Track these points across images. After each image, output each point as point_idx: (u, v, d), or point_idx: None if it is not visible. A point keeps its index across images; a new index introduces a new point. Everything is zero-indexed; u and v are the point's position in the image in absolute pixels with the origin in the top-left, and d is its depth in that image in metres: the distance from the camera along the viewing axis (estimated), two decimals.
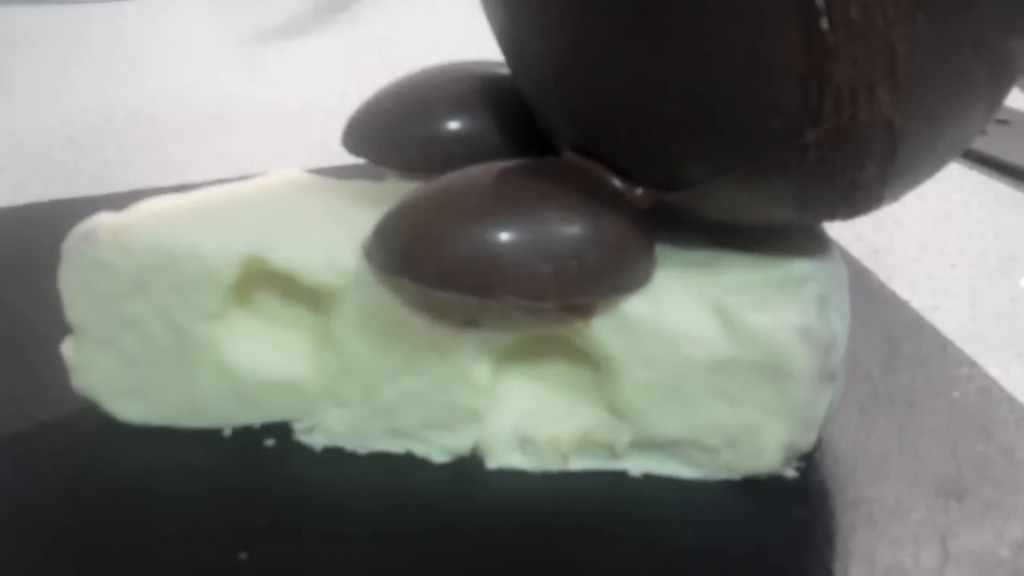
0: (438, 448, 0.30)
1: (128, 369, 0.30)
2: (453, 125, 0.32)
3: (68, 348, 0.30)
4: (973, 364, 0.34)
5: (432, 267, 0.27)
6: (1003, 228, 0.43)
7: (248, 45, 0.57)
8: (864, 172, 0.26)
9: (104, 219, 0.29)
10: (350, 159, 0.42)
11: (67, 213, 0.32)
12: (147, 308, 0.29)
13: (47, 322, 0.31)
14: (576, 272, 0.27)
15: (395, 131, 0.32)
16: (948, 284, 0.40)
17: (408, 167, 0.32)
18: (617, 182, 0.28)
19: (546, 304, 0.27)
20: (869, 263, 0.40)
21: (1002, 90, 0.27)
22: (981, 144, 0.47)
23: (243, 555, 0.27)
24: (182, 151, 0.47)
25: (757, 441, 0.29)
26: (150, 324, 0.29)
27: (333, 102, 0.52)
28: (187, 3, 0.62)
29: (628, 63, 0.26)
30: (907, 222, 0.43)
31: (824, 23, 0.23)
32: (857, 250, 0.41)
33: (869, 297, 0.37)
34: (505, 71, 0.33)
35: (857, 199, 0.27)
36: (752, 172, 0.26)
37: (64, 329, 0.30)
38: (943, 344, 0.35)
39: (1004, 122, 0.50)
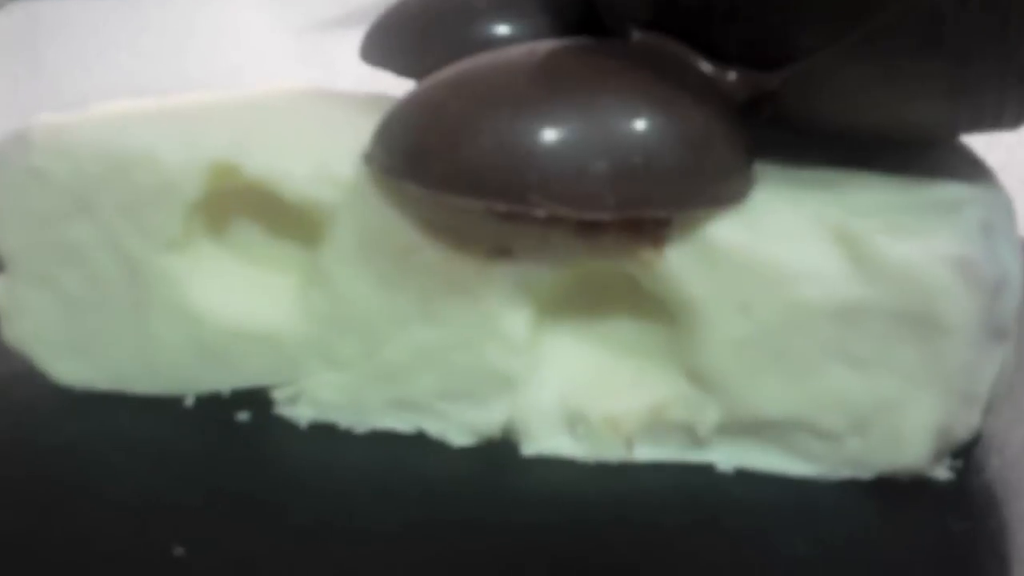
0: (458, 426, 0.23)
1: (69, 314, 0.23)
2: (495, 27, 0.25)
3: None
4: None
5: (448, 165, 0.20)
6: None
7: (303, 34, 0.51)
8: None
9: (43, 119, 0.23)
10: None
11: None
12: (92, 233, 0.23)
13: None
14: (641, 172, 0.20)
15: (425, 35, 0.25)
16: None
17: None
18: (704, 64, 0.21)
19: (600, 215, 0.20)
20: None
21: None
22: None
23: (188, 554, 0.20)
24: None
25: (896, 423, 0.21)
26: (95, 254, 0.23)
27: (390, 82, 0.46)
28: None
29: None
30: None
31: None
32: None
33: None
34: None
35: None
36: (883, 32, 0.19)
37: None
38: None
39: None
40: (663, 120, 0.20)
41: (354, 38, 0.52)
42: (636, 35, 0.22)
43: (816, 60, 0.20)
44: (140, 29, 0.52)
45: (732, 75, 0.21)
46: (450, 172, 0.20)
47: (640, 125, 0.20)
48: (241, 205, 0.23)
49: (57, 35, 0.52)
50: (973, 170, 0.22)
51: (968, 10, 0.18)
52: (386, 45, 0.26)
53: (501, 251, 0.21)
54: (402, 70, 0.25)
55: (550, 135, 0.19)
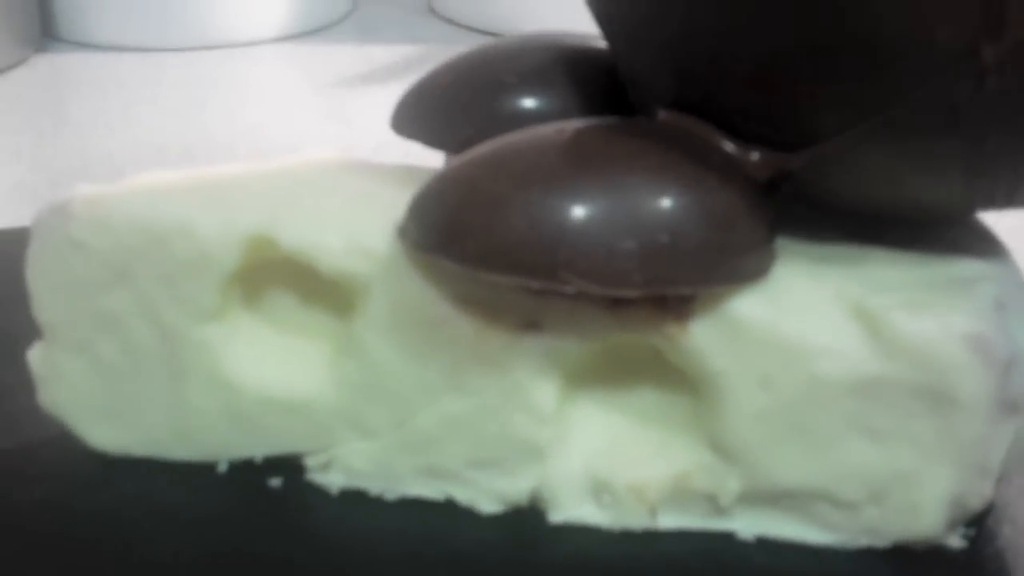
0: (487, 493, 0.23)
1: (105, 381, 0.24)
2: (523, 100, 0.25)
3: (35, 356, 0.24)
4: None
5: (480, 243, 0.20)
6: None
7: (326, 90, 0.52)
8: None
9: (83, 191, 0.24)
10: None
11: None
12: (129, 303, 0.23)
13: (21, 332, 0.25)
14: (668, 250, 0.20)
15: (454, 107, 0.26)
16: None
17: (465, 149, 0.25)
18: (728, 144, 0.22)
19: (627, 292, 0.20)
20: None
21: None
22: None
23: None
24: None
25: (912, 494, 0.21)
26: (132, 324, 0.23)
27: (413, 145, 0.46)
28: (269, 54, 0.58)
29: None
30: None
31: None
32: None
33: None
34: (591, 42, 0.27)
35: None
36: (903, 117, 0.19)
37: (34, 332, 0.24)
38: None
39: None
40: (688, 199, 0.21)
41: (378, 95, 0.53)
42: (662, 114, 0.23)
43: (836, 143, 0.20)
44: (163, 84, 0.53)
45: (755, 155, 0.22)
46: (483, 249, 0.20)
47: (666, 204, 0.20)
48: (276, 275, 0.24)
49: (81, 88, 0.52)
50: (988, 246, 0.23)
51: (983, 97, 0.19)
52: (416, 117, 0.26)
53: (530, 324, 0.22)
54: (432, 142, 0.26)
55: (579, 214, 0.20)
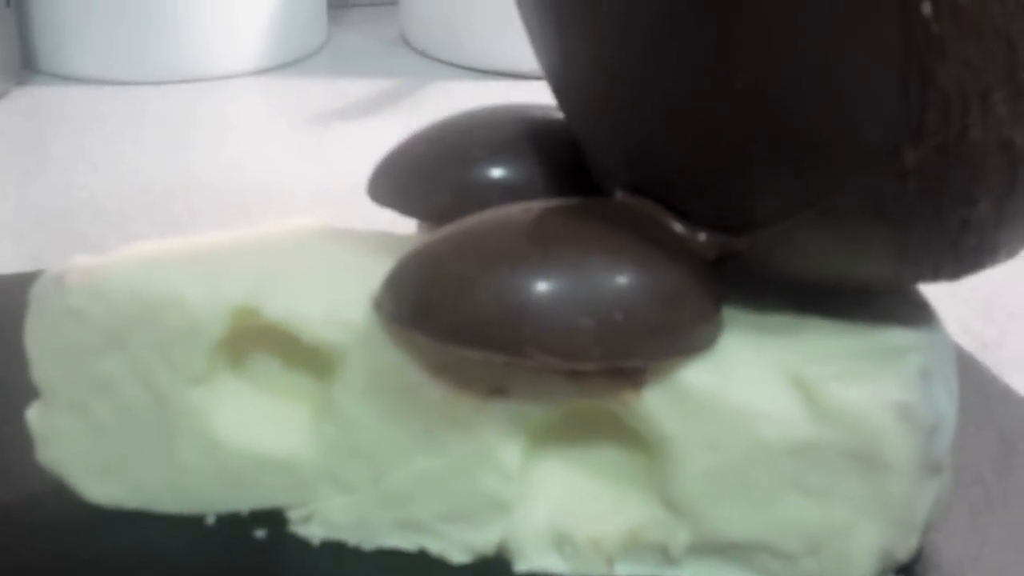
0: (457, 545, 0.25)
1: (100, 440, 0.26)
2: (492, 171, 0.27)
3: (34, 415, 0.26)
4: None
5: (450, 319, 0.22)
6: None
7: (304, 126, 0.53)
8: (976, 208, 0.21)
9: (78, 262, 0.25)
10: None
11: None
12: (123, 367, 0.25)
13: (17, 385, 0.27)
14: (623, 327, 0.22)
15: (426, 177, 0.28)
16: None
17: (439, 218, 0.27)
18: (677, 226, 0.24)
19: (586, 366, 0.22)
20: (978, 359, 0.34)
21: None
22: None
23: None
24: (219, 226, 0.43)
25: (845, 546, 0.23)
26: (126, 387, 0.25)
27: None
28: (246, 87, 0.59)
29: (689, 65, 0.21)
30: (1020, 313, 0.38)
31: (927, 8, 0.19)
32: (964, 343, 0.35)
33: (979, 389, 0.31)
34: (556, 114, 0.29)
35: (967, 246, 0.22)
36: (837, 208, 0.21)
37: (33, 392, 0.26)
38: None
39: None
40: (641, 280, 0.23)
41: (353, 132, 0.54)
42: (618, 194, 0.25)
43: (777, 228, 0.22)
44: (143, 118, 0.54)
45: (703, 236, 0.24)
46: (453, 325, 0.22)
47: (621, 285, 0.22)
48: (260, 340, 0.25)
49: (63, 123, 0.54)
50: (918, 314, 0.25)
51: (906, 193, 0.21)
52: (391, 187, 0.28)
53: (497, 390, 0.24)
54: (407, 211, 0.28)
55: (542, 294, 0.22)
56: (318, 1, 0.66)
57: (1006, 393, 0.31)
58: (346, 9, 0.73)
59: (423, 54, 0.64)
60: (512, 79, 0.58)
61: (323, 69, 0.62)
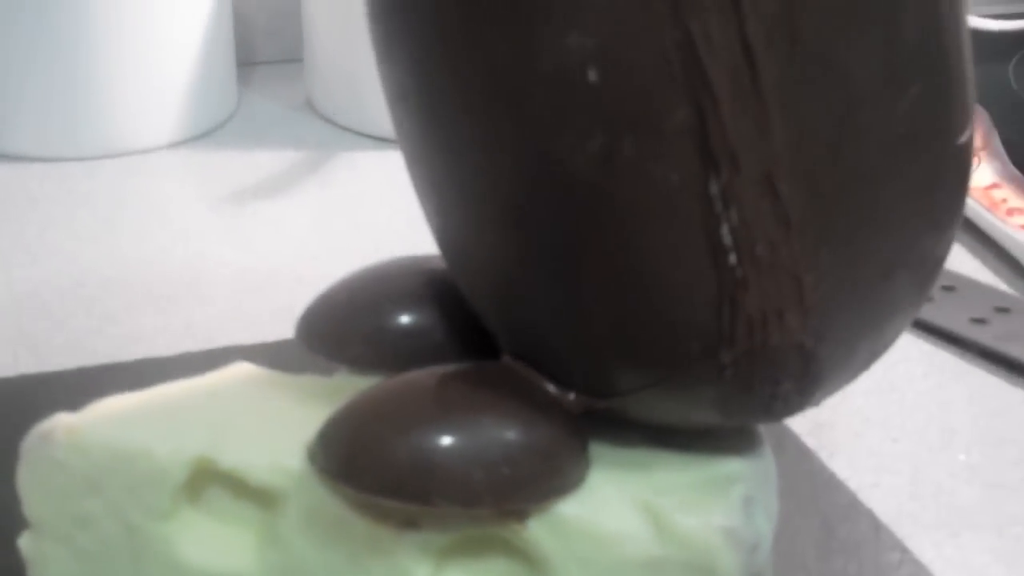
0: None
1: (83, 565, 0.31)
2: (400, 320, 0.33)
3: (25, 542, 0.31)
4: (904, 550, 0.35)
5: (372, 476, 0.28)
6: (944, 400, 0.45)
7: (222, 207, 0.58)
8: (780, 387, 0.28)
9: (61, 420, 0.31)
10: None
11: (34, 390, 0.34)
12: (101, 506, 0.30)
13: (9, 510, 0.32)
14: (508, 478, 0.28)
15: (342, 326, 0.33)
16: (889, 460, 0.41)
17: (356, 362, 0.33)
18: (551, 388, 0.30)
19: (480, 511, 0.28)
20: (812, 438, 0.41)
21: (923, 291, 0.29)
22: (927, 312, 0.49)
23: None
24: (152, 320, 0.48)
25: None
26: (104, 522, 0.31)
27: (303, 267, 0.54)
28: (163, 162, 0.64)
29: (554, 286, 0.27)
30: (851, 394, 0.44)
31: (732, 259, 0.25)
32: (800, 425, 0.42)
33: (808, 479, 0.38)
34: None
35: (777, 408, 0.29)
36: (675, 386, 0.28)
37: (23, 521, 0.31)
38: (877, 528, 0.36)
39: (950, 288, 0.51)
40: (523, 437, 0.29)
41: (265, 210, 0.59)
42: (504, 358, 0.31)
43: (632, 396, 0.29)
44: (72, 199, 0.59)
45: (572, 396, 0.30)
46: (375, 481, 0.28)
47: (506, 441, 0.28)
48: (215, 481, 0.31)
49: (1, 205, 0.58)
50: (747, 444, 0.31)
51: (723, 380, 0.27)
52: (316, 335, 0.34)
53: (410, 523, 0.30)
54: (332, 357, 0.33)
55: (444, 454, 0.28)
56: (229, 66, 0.70)
57: (831, 481, 0.38)
58: (254, 67, 0.77)
59: (328, 120, 0.69)
60: None
61: (235, 139, 0.67)
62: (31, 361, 0.45)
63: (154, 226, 0.56)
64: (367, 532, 0.30)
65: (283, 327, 0.46)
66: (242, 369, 0.33)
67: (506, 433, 0.28)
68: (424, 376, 0.30)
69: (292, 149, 0.65)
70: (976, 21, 0.75)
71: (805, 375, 0.27)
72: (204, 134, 0.67)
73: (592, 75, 0.23)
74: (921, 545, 0.36)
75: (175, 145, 0.66)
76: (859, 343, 0.28)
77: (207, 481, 0.31)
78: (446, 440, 0.28)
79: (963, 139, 0.27)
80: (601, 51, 0.23)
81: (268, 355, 0.42)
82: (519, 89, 0.24)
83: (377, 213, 0.58)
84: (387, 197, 0.59)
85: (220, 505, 0.31)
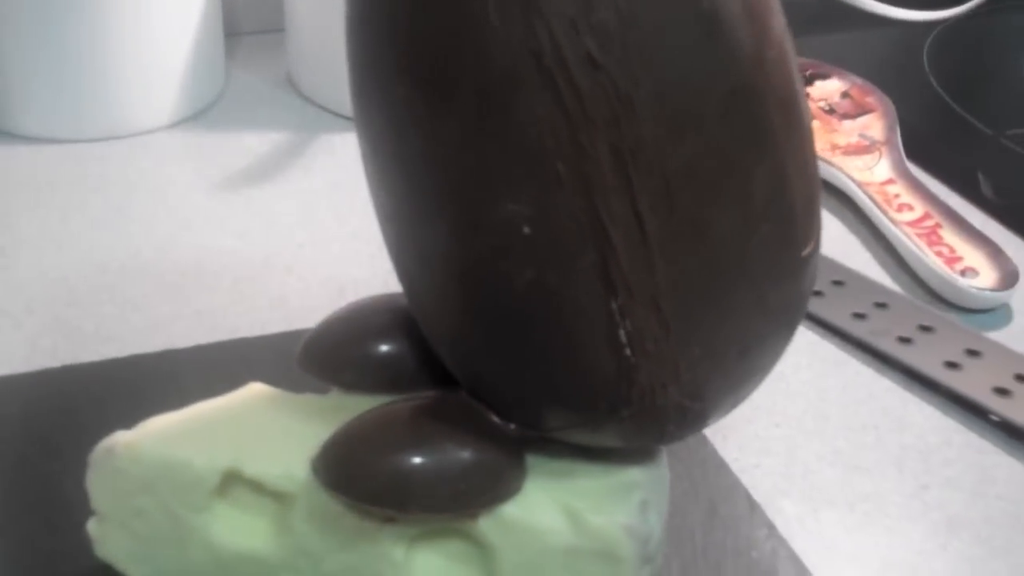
0: None
1: (138, 544, 0.41)
2: (380, 351, 0.42)
3: (92, 526, 0.41)
4: (771, 526, 0.45)
5: (360, 489, 0.38)
6: (822, 388, 0.54)
7: (218, 193, 0.67)
8: (666, 428, 0.37)
9: (120, 437, 0.40)
10: (302, 324, 0.53)
11: (78, 379, 0.45)
12: (152, 502, 0.40)
13: (78, 498, 0.41)
14: (465, 490, 0.38)
15: (335, 356, 0.43)
16: (770, 443, 0.51)
17: (346, 385, 0.42)
18: (496, 419, 0.39)
19: (444, 516, 0.38)
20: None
21: (776, 359, 0.38)
22: (816, 306, 0.58)
23: None
24: (168, 308, 0.57)
25: None
26: (154, 513, 0.40)
27: (291, 255, 0.62)
28: (163, 144, 0.72)
29: (495, 359, 0.37)
30: None
31: (628, 351, 0.34)
32: None
33: (702, 464, 0.48)
34: None
35: (667, 439, 0.38)
36: (588, 428, 0.37)
37: (90, 510, 0.41)
38: (751, 506, 0.46)
39: (839, 283, 0.61)
40: (476, 459, 0.38)
41: (255, 197, 0.68)
42: (462, 393, 0.40)
43: (557, 432, 0.38)
44: (87, 183, 0.67)
45: (512, 426, 0.39)
46: (363, 492, 0.38)
47: (464, 461, 0.38)
48: (241, 483, 0.40)
49: (21, 193, 0.66)
50: (647, 457, 0.41)
51: (624, 427, 0.37)
52: (313, 361, 0.43)
53: (389, 519, 0.39)
54: (329, 381, 0.43)
55: (416, 472, 0.37)
56: (218, 41, 0.78)
57: (720, 465, 0.48)
58: (239, 38, 0.85)
59: (309, 100, 0.77)
60: None
61: (225, 119, 0.75)
62: (68, 348, 0.54)
63: (161, 212, 0.65)
64: (357, 524, 0.39)
65: (276, 315, 0.56)
66: (255, 390, 0.43)
67: (463, 455, 0.38)
68: (400, 409, 0.39)
69: (275, 131, 0.74)
70: (889, 10, 0.84)
71: (684, 422, 0.37)
72: (199, 113, 0.75)
73: (526, 229, 0.32)
74: (787, 520, 0.46)
75: (174, 125, 0.74)
76: (725, 398, 0.37)
77: (234, 483, 0.40)
78: (417, 461, 0.38)
79: (807, 251, 0.36)
80: (533, 214, 0.32)
81: (269, 347, 0.52)
82: (469, 233, 0.33)
83: (354, 201, 0.67)
84: (364, 181, 0.68)
85: (244, 501, 0.41)
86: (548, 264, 0.33)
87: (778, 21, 0.33)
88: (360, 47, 0.34)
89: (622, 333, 0.34)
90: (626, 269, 0.33)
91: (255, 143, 0.72)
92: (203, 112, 0.76)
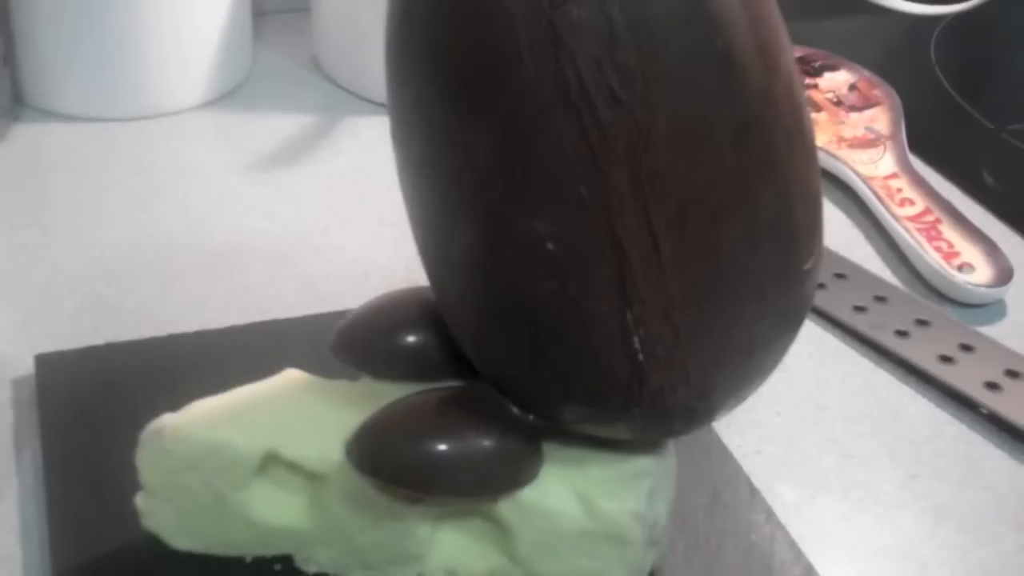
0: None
1: (182, 518, 0.44)
2: (408, 342, 0.45)
3: (140, 500, 0.44)
4: (770, 512, 0.48)
5: (391, 472, 0.41)
6: (822, 378, 0.57)
7: (247, 173, 0.69)
8: (674, 426, 0.40)
9: (167, 419, 0.43)
10: (330, 306, 0.56)
11: (121, 356, 0.50)
12: (196, 479, 0.43)
13: (125, 472, 0.45)
14: (487, 477, 0.41)
15: (367, 346, 0.46)
16: (771, 431, 0.54)
17: (376, 373, 0.45)
18: (516, 410, 0.42)
19: (468, 499, 0.41)
20: None
21: (778, 361, 0.41)
22: (819, 298, 0.61)
23: None
24: (202, 288, 0.60)
25: None
26: (198, 490, 0.43)
27: (318, 238, 0.65)
28: (195, 125, 0.74)
29: (517, 362, 0.40)
30: None
31: (640, 357, 0.37)
32: None
33: (706, 452, 0.51)
34: None
35: (675, 434, 0.41)
36: (601, 422, 0.40)
37: (138, 484, 0.44)
38: (752, 492, 0.49)
39: (841, 276, 0.64)
40: (497, 446, 0.41)
41: (288, 181, 0.70)
42: (485, 385, 0.43)
43: (574, 425, 0.41)
44: (121, 162, 0.70)
45: (531, 417, 0.42)
46: (394, 476, 0.41)
47: (486, 449, 0.41)
48: (279, 463, 0.43)
49: (58, 170, 0.69)
50: (656, 447, 0.44)
51: (636, 422, 0.40)
52: (347, 351, 0.46)
53: (417, 500, 0.42)
54: (360, 368, 0.46)
55: (443, 458, 0.41)
56: (246, 21, 0.80)
57: (723, 452, 0.51)
58: (264, 17, 0.87)
59: (334, 82, 0.80)
60: None
61: (253, 100, 0.78)
62: (110, 326, 0.57)
63: (193, 193, 0.68)
64: (386, 504, 0.43)
65: (306, 297, 0.59)
66: (292, 376, 0.46)
67: (486, 444, 0.41)
68: (427, 399, 0.43)
69: (301, 114, 0.76)
70: (898, 3, 0.86)
71: (691, 420, 0.40)
72: (227, 93, 0.78)
73: (550, 245, 0.35)
74: (785, 505, 0.50)
75: (203, 106, 0.76)
76: (730, 398, 0.40)
77: (273, 463, 0.44)
78: (443, 448, 0.41)
79: (808, 265, 0.39)
80: (556, 231, 0.35)
81: (300, 329, 0.55)
82: (497, 247, 0.36)
83: (378, 182, 0.70)
84: (386, 165, 0.70)
85: (282, 480, 0.44)
86: (569, 277, 0.36)
87: (787, 56, 0.36)
88: (401, 71, 0.37)
89: (636, 340, 0.37)
90: (641, 283, 0.36)
91: (282, 125, 0.75)
92: (231, 93, 0.78)
